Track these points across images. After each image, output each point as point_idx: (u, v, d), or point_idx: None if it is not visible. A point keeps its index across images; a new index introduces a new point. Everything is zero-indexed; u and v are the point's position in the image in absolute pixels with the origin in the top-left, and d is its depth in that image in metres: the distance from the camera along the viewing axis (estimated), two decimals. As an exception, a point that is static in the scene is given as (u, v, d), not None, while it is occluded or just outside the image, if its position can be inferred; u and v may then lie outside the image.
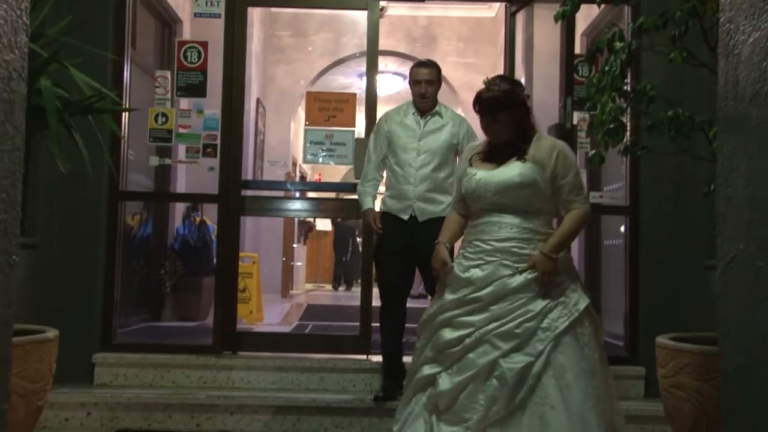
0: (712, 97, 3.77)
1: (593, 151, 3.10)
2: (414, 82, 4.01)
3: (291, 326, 6.06)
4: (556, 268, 2.67)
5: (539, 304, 2.65)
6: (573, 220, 2.78)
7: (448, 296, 2.79)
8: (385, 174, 4.12)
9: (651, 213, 4.21)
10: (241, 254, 4.68)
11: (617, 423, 2.70)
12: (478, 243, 2.80)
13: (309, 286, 12.49)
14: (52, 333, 3.06)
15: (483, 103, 2.80)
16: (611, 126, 2.84)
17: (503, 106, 2.75)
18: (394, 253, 3.96)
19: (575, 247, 5.06)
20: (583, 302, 2.69)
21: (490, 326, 2.64)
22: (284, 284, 8.85)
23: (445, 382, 2.68)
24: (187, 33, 6.05)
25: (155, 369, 4.16)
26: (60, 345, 3.16)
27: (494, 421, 2.57)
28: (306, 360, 4.22)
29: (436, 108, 4.03)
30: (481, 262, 2.75)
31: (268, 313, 6.46)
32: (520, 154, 2.78)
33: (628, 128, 3.17)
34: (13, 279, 1.73)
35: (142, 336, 4.96)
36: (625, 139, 3.02)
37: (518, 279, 2.68)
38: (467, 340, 2.66)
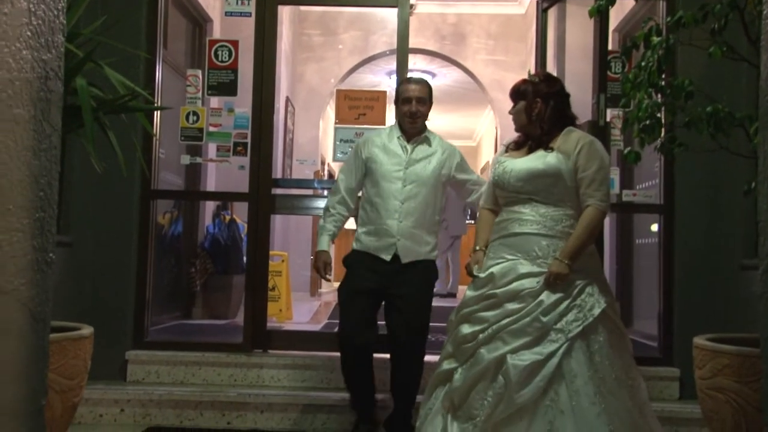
0: (750, 92, 3.72)
1: (628, 149, 3.06)
2: (403, 100, 3.54)
3: (320, 325, 6.06)
4: (568, 274, 2.66)
5: (555, 305, 2.63)
6: (586, 221, 2.76)
7: (470, 293, 2.84)
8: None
9: (686, 211, 4.13)
10: (270, 253, 4.69)
11: (647, 430, 2.65)
12: (500, 242, 2.85)
13: (337, 284, 12.51)
14: (87, 330, 3.10)
15: (510, 90, 3.02)
16: (647, 122, 2.79)
17: (517, 95, 2.95)
18: (361, 293, 3.41)
19: (606, 245, 4.99)
20: (598, 307, 2.67)
21: (503, 322, 2.66)
22: (313, 283, 8.87)
23: (458, 378, 2.72)
24: (217, 32, 6.09)
25: (186, 366, 4.18)
26: (94, 342, 3.19)
27: (502, 421, 2.56)
28: (336, 358, 4.19)
29: (425, 133, 3.59)
30: (502, 260, 2.79)
31: (298, 312, 6.47)
32: (547, 146, 2.83)
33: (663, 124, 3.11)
34: (50, 276, 1.75)
35: (173, 334, 5.00)
36: (660, 136, 2.97)
37: (535, 280, 2.68)
38: (481, 336, 2.70)
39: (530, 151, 2.90)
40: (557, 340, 2.60)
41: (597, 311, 2.65)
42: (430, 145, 3.57)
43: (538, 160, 2.81)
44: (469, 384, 2.67)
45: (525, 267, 2.72)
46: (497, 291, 2.72)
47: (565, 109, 2.92)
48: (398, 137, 3.56)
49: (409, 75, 3.84)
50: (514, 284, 2.71)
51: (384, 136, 3.61)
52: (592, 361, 2.60)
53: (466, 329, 2.75)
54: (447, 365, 2.81)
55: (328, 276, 3.60)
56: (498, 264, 2.78)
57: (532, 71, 3.05)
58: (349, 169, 3.62)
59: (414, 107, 3.51)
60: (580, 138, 2.81)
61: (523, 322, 2.63)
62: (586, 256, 2.77)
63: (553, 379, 2.56)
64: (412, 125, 3.54)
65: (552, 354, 2.58)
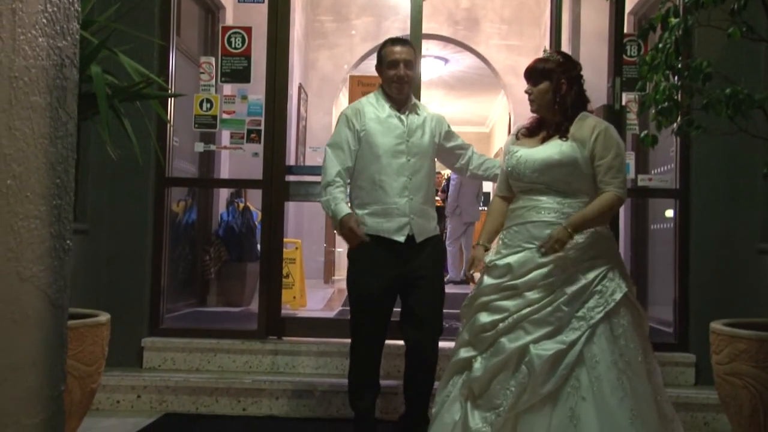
0: (770, 74, 3.67)
1: (644, 132, 3.03)
2: (389, 63, 3.22)
3: (334, 312, 6.08)
4: (566, 241, 2.64)
5: (577, 294, 2.61)
6: (601, 202, 2.72)
7: (487, 281, 2.80)
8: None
9: (702, 195, 4.10)
10: (284, 240, 4.69)
11: (660, 414, 2.63)
12: (516, 229, 2.80)
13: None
14: (104, 317, 3.12)
15: (526, 70, 2.89)
16: (664, 105, 2.76)
17: (541, 74, 2.82)
18: (383, 289, 3.19)
19: (621, 231, 4.96)
20: (620, 292, 2.64)
21: (524, 311, 2.64)
22: (327, 270, 8.89)
23: (478, 367, 2.69)
24: (230, 19, 6.09)
25: (202, 353, 4.21)
26: (110, 329, 3.22)
27: (525, 409, 2.55)
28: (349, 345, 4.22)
29: (413, 101, 3.33)
30: (519, 249, 2.75)
31: (311, 299, 6.49)
32: (563, 133, 2.77)
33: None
34: (68, 263, 1.76)
35: (188, 321, 5.03)
36: (677, 119, 2.94)
37: (554, 268, 2.66)
38: (501, 325, 2.67)
39: (546, 138, 2.82)
40: (579, 327, 2.57)
41: (618, 296, 2.62)
42: (418, 113, 3.32)
43: (553, 150, 2.75)
44: (491, 373, 2.64)
45: (543, 256, 2.69)
46: (517, 282, 2.69)
47: (584, 93, 2.87)
48: (390, 107, 3.26)
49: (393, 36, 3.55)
50: (534, 273, 2.68)
51: (373, 106, 3.28)
52: (617, 345, 2.57)
53: (485, 318, 2.72)
54: (465, 353, 2.78)
55: (364, 237, 3.14)
56: (515, 254, 2.75)
57: (562, 53, 2.94)
58: (341, 145, 3.23)
59: (402, 71, 3.21)
60: (595, 125, 2.76)
61: (545, 311, 2.61)
62: (603, 241, 2.74)
63: (574, 367, 2.54)
64: (400, 92, 3.25)
65: (574, 342, 2.55)
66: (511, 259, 2.74)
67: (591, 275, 2.65)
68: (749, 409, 2.87)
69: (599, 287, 2.64)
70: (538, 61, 2.88)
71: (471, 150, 3.56)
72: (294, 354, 4.21)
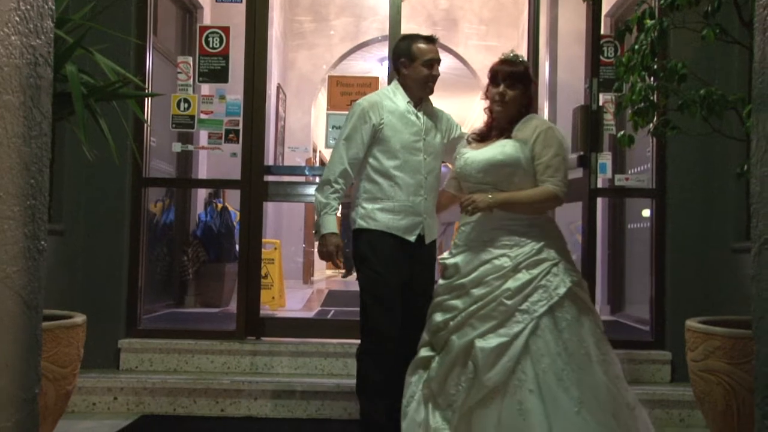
0: (743, 74, 3.73)
1: (621, 132, 3.06)
2: (425, 62, 3.13)
3: (313, 312, 6.07)
4: (482, 208, 2.72)
5: (520, 289, 2.66)
6: (533, 190, 2.77)
7: (441, 281, 2.89)
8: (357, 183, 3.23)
9: (678, 195, 4.15)
10: (263, 240, 4.67)
11: (623, 403, 2.65)
12: (464, 228, 2.88)
13: (329, 272, 12.51)
14: (80, 318, 3.09)
15: (500, 72, 2.84)
16: (641, 106, 2.79)
17: (519, 79, 2.82)
18: (398, 287, 3.10)
19: (599, 230, 5.01)
20: (564, 287, 2.68)
21: (471, 308, 2.71)
22: (306, 270, 8.88)
23: (435, 367, 2.78)
24: (207, 18, 6.06)
25: (180, 354, 4.18)
26: (86, 331, 3.18)
27: (477, 403, 2.61)
28: (329, 345, 4.22)
29: (427, 99, 3.28)
30: (465, 248, 2.84)
31: (290, 299, 6.48)
32: (509, 133, 2.83)
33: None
34: (42, 264, 1.74)
35: (166, 322, 4.99)
36: (654, 120, 2.98)
37: (498, 264, 2.72)
38: (452, 323, 2.75)
39: (494, 139, 2.88)
40: (522, 320, 2.63)
41: (562, 290, 2.67)
42: (432, 113, 3.26)
43: (496, 151, 2.81)
44: (444, 372, 2.72)
45: (488, 253, 2.76)
46: (464, 280, 2.77)
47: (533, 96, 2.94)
48: (407, 102, 3.18)
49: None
50: (479, 270, 2.75)
51: (391, 100, 3.18)
52: (561, 338, 2.62)
53: (439, 317, 2.81)
54: (424, 353, 2.86)
55: (340, 262, 3.27)
56: (462, 253, 2.83)
57: (524, 56, 2.95)
58: (354, 137, 3.11)
59: (437, 71, 3.16)
60: (537, 125, 2.81)
61: (489, 306, 2.67)
62: (550, 237, 2.79)
63: (519, 358, 2.59)
64: (432, 91, 3.20)
65: (517, 334, 2.61)
66: (458, 259, 2.83)
67: (535, 271, 2.69)
68: (723, 404, 2.91)
69: (543, 282, 2.68)
70: (512, 64, 2.86)
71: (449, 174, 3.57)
72: (273, 354, 4.20)
